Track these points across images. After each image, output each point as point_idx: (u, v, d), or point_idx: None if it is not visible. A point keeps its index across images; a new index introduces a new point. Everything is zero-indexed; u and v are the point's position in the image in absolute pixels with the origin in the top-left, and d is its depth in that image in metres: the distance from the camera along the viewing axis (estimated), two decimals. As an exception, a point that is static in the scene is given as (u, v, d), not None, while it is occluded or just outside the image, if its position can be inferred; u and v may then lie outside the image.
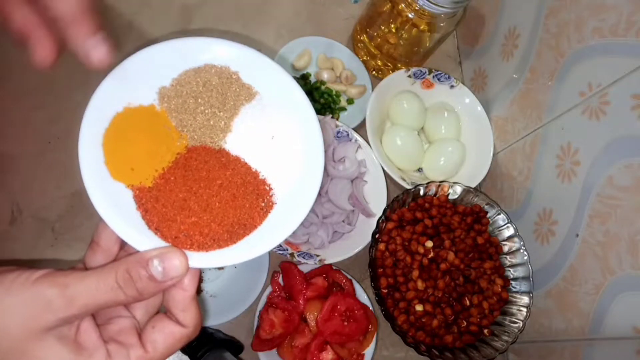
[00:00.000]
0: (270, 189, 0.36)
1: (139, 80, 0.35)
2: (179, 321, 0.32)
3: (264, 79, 0.37)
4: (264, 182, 0.36)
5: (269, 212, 0.35)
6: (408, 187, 0.69)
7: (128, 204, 0.33)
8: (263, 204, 0.35)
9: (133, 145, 0.34)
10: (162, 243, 0.32)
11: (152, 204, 0.33)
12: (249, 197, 0.35)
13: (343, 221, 0.69)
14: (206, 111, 0.36)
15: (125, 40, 0.73)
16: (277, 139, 0.37)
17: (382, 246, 0.66)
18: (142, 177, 0.34)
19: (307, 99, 0.36)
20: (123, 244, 0.34)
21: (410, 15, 0.68)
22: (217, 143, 0.36)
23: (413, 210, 0.67)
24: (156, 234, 0.33)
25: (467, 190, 0.68)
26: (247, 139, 0.36)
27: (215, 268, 0.65)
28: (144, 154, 0.34)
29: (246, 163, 0.36)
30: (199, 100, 0.36)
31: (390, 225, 0.67)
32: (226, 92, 0.36)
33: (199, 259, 0.32)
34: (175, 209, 0.33)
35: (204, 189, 0.34)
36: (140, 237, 0.32)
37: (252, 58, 0.36)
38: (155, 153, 0.34)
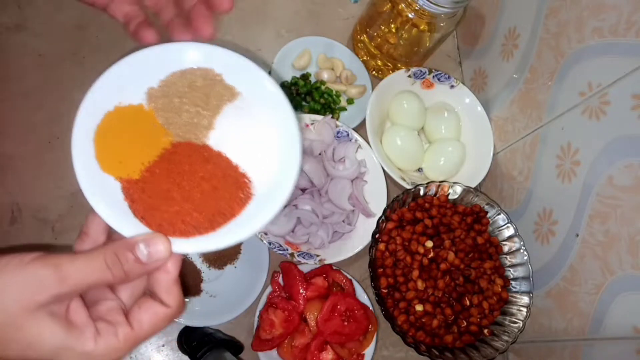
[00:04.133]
0: (250, 181, 0.38)
1: (129, 82, 0.37)
2: (163, 302, 0.34)
3: (247, 81, 0.39)
4: (243, 175, 0.38)
5: (248, 203, 0.37)
6: (408, 187, 0.69)
7: (116, 194, 0.35)
8: (242, 195, 0.37)
9: (122, 141, 0.37)
10: (147, 230, 0.34)
11: (138, 195, 0.36)
12: (229, 188, 0.37)
13: (343, 221, 0.69)
14: (191, 110, 0.38)
15: (125, 40, 0.73)
16: (257, 136, 0.39)
17: (382, 246, 0.66)
18: (129, 170, 0.36)
19: (288, 100, 0.39)
20: (110, 235, 0.37)
21: (410, 15, 0.68)
22: (200, 139, 0.38)
23: (413, 210, 0.67)
24: (142, 222, 0.35)
25: (467, 190, 0.68)
26: (229, 135, 0.39)
27: (215, 268, 0.66)
28: (132, 149, 0.37)
29: (227, 157, 0.38)
30: (184, 100, 0.38)
31: (390, 225, 0.67)
32: (210, 93, 0.39)
33: (181, 245, 0.34)
34: (159, 199, 0.36)
35: (186, 181, 0.36)
36: (127, 225, 0.34)
37: (236, 62, 0.39)
38: (142, 148, 0.37)
